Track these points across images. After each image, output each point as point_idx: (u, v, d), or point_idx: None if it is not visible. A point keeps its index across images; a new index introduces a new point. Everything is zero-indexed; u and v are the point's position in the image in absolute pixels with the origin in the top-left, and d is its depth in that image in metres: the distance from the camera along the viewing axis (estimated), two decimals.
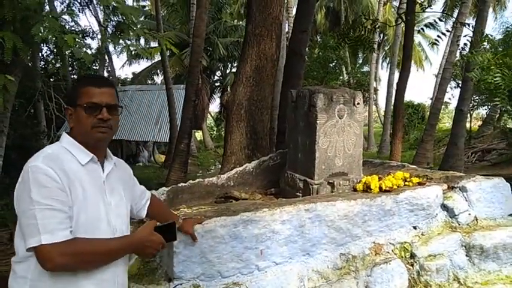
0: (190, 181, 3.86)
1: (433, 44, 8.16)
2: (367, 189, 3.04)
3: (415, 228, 2.99)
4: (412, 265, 2.82)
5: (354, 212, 2.79)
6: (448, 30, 9.18)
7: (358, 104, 3.44)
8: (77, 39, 4.46)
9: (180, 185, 3.82)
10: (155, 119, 19.29)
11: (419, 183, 3.14)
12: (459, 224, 3.04)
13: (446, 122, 30.66)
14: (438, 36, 6.82)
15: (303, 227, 2.66)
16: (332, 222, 2.73)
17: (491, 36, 6.29)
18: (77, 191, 1.59)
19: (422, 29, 9.18)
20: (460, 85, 12.00)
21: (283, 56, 9.69)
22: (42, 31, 4.21)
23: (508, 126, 17.16)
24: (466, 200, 3.11)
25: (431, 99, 22.86)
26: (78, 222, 1.59)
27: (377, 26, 7.68)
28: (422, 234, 2.96)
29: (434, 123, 12.77)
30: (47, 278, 1.56)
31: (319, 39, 29.28)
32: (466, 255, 2.93)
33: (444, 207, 3.08)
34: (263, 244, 2.56)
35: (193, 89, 8.05)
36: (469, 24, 8.26)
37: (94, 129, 1.67)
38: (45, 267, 1.53)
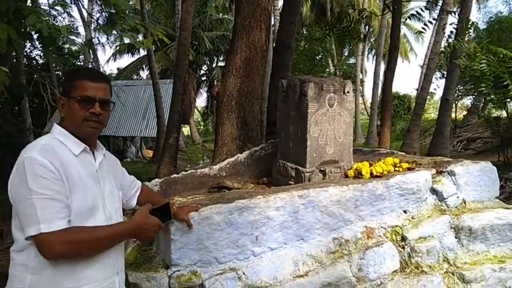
0: (183, 172, 3.88)
1: (419, 33, 8.27)
2: (358, 175, 3.10)
3: (405, 212, 3.06)
4: (403, 247, 2.90)
5: (346, 197, 2.85)
6: (434, 19, 9.29)
7: (348, 92, 3.49)
8: (70, 30, 4.45)
9: (172, 176, 3.84)
10: (142, 114, 19.20)
11: (409, 169, 3.21)
12: (448, 207, 3.12)
13: (431, 112, 31.04)
14: (425, 24, 6.91)
15: (296, 212, 2.71)
16: (325, 207, 2.79)
17: (476, 23, 6.41)
18: (74, 180, 1.62)
19: (408, 17, 9.27)
20: (446, 75, 12.17)
21: (271, 48, 9.72)
22: (36, 21, 4.18)
23: (492, 115, 17.45)
24: (454, 184, 3.19)
25: (417, 90, 23.15)
26: (76, 211, 1.61)
27: (364, 16, 7.74)
28: (412, 218, 3.03)
29: (420, 113, 12.92)
30: (48, 265, 1.58)
31: (305, 32, 29.35)
32: (455, 237, 3.01)
33: (433, 191, 3.16)
34: (258, 230, 2.60)
35: (181, 82, 8.04)
36: (454, 13, 8.36)
37: (85, 122, 1.71)
38: (45, 256, 1.55)
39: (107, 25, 5.20)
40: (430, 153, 11.38)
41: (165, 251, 2.48)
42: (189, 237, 2.41)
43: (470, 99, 22.39)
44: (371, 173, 3.05)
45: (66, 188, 1.58)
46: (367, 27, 29.86)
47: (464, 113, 23.05)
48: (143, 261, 2.56)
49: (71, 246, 1.56)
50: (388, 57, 6.87)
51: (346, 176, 3.22)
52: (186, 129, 30.99)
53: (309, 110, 3.31)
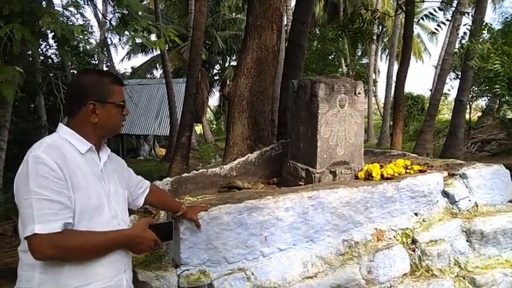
0: (194, 171, 3.90)
1: (433, 33, 8.18)
2: (368, 177, 3.09)
3: (416, 214, 3.04)
4: (414, 250, 2.88)
5: (356, 199, 2.84)
6: (447, 20, 9.18)
7: (359, 93, 3.47)
8: (84, 31, 4.51)
9: (184, 175, 3.87)
10: (155, 113, 19.31)
11: (420, 171, 3.19)
12: (459, 210, 3.09)
13: (445, 113, 30.68)
14: (438, 25, 6.84)
15: (306, 214, 2.71)
16: (335, 209, 2.78)
17: (491, 25, 6.30)
18: (78, 179, 1.63)
19: (422, 18, 9.17)
20: (460, 76, 12.03)
21: (283, 48, 9.70)
22: (49, 22, 4.24)
23: (507, 116, 17.19)
24: (467, 187, 3.16)
25: (431, 90, 22.90)
26: (80, 210, 1.61)
27: (376, 17, 7.68)
28: (423, 221, 3.01)
29: (434, 114, 12.79)
30: (56, 264, 1.58)
31: (317, 32, 29.21)
32: (467, 241, 2.99)
33: (445, 193, 3.13)
34: (267, 231, 2.61)
35: (194, 81, 8.08)
36: (468, 13, 8.26)
37: (120, 124, 1.82)
38: (35, 257, 1.54)
39: (119, 26, 5.25)
40: (443, 154, 11.26)
41: (175, 250, 2.50)
42: (198, 236, 2.43)
43: (484, 100, 22.12)
44: (381, 175, 3.03)
45: (69, 187, 1.58)
46: (380, 27, 29.66)
47: (479, 114, 22.75)
48: (153, 260, 2.58)
49: (62, 251, 1.55)
50: (400, 57, 6.79)
51: (357, 178, 3.21)
52: (198, 128, 31.09)
53: (319, 111, 3.30)
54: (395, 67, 26.50)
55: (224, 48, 25.77)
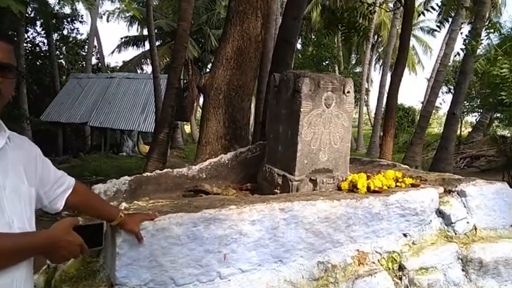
0: (157, 171, 3.44)
1: (433, 31, 7.82)
2: (353, 188, 2.65)
3: (405, 235, 2.61)
4: (401, 278, 2.44)
5: (337, 214, 2.40)
6: (445, 19, 8.82)
7: (348, 92, 3.05)
8: None
9: (145, 174, 3.41)
10: (141, 108, 18.77)
11: (413, 185, 2.76)
12: (456, 234, 2.67)
13: (435, 127, 30.58)
14: (440, 21, 6.45)
15: (276, 229, 2.27)
16: (310, 225, 2.34)
17: (500, 23, 5.83)
18: None
19: (421, 28, 8.83)
20: (454, 88, 11.75)
21: (272, 45, 9.24)
22: None
23: (498, 133, 16.98)
24: (465, 207, 2.74)
25: (422, 103, 22.71)
26: None
27: (372, 12, 7.27)
28: (413, 243, 2.58)
29: (425, 126, 12.53)
30: None
31: (313, 37, 28.94)
32: (462, 270, 2.56)
33: (440, 213, 2.71)
34: (228, 247, 2.16)
35: (177, 75, 7.60)
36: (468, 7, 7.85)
37: None
38: None
39: None
40: (432, 168, 10.93)
41: (110, 266, 2.03)
42: (139, 251, 1.97)
43: (475, 116, 22.02)
44: (368, 187, 2.60)
45: None
46: (375, 37, 29.48)
47: (469, 130, 22.61)
48: (85, 276, 2.12)
49: None
50: (396, 59, 6.39)
51: (339, 189, 2.77)
52: (188, 127, 30.54)
53: (302, 109, 2.87)
54: (389, 77, 26.37)
55: (217, 47, 25.29)
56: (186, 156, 19.89)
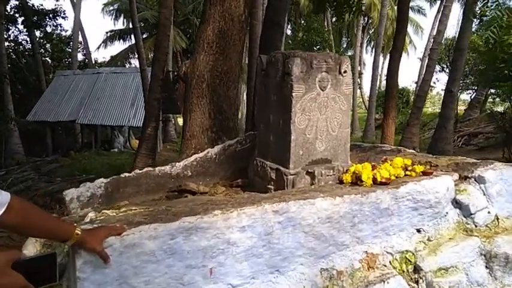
0: (137, 171, 3.09)
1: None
2: (357, 181, 2.31)
3: (419, 231, 2.28)
4: (417, 282, 2.12)
5: (340, 212, 2.06)
6: None
7: (345, 72, 2.70)
8: None
9: (123, 175, 3.06)
10: (130, 103, 18.33)
11: (424, 173, 2.42)
12: (476, 226, 2.34)
13: (429, 106, 30.33)
14: None
15: (270, 234, 1.93)
16: (310, 227, 2.01)
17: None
18: None
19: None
20: (450, 65, 11.43)
21: (259, 28, 8.82)
22: None
23: (495, 109, 16.72)
24: (484, 194, 2.41)
25: (416, 83, 22.39)
26: None
27: None
28: (428, 240, 2.25)
29: (421, 106, 12.25)
30: None
31: (303, 22, 28.49)
32: (486, 267, 2.24)
33: (456, 203, 2.38)
34: (214, 260, 1.82)
35: (161, 66, 7.19)
36: None
37: None
38: None
39: None
40: (431, 148, 10.65)
41: None
42: (105, 274, 1.62)
43: (469, 93, 21.80)
44: (374, 179, 2.26)
45: None
46: (366, 19, 29.02)
47: (464, 107, 22.35)
48: None
49: None
50: (394, 35, 6.00)
51: (341, 182, 2.43)
52: (181, 120, 30.05)
53: (293, 94, 2.53)
54: (381, 58, 26.02)
55: (197, 30, 24.78)
56: (179, 149, 19.50)
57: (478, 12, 5.37)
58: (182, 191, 2.99)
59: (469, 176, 2.47)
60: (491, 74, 11.74)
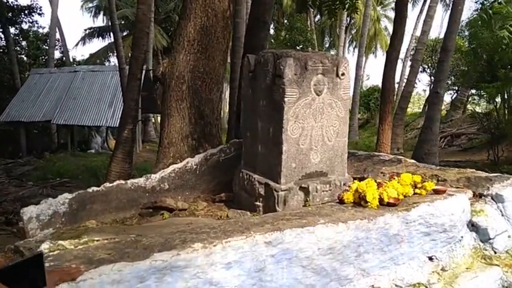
0: (106, 184, 2.72)
1: None
2: (360, 201, 2.00)
3: (431, 259, 1.99)
4: None
5: (344, 241, 1.75)
6: None
7: (343, 74, 2.39)
8: None
9: (90, 190, 2.69)
10: (108, 103, 17.78)
11: (435, 191, 2.12)
12: (495, 252, 2.06)
13: (410, 107, 30.46)
14: None
15: (261, 271, 1.60)
16: (309, 260, 1.68)
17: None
18: None
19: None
20: (436, 66, 11.29)
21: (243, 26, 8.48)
22: None
23: (477, 110, 16.73)
24: (503, 215, 2.13)
25: (398, 83, 22.35)
26: None
27: None
28: (443, 270, 1.96)
29: (405, 106, 12.17)
30: None
31: (285, 22, 28.25)
32: None
33: (472, 226, 2.09)
34: None
35: (139, 64, 6.76)
36: None
37: None
38: None
39: None
40: (417, 149, 10.46)
41: None
42: None
43: (450, 94, 21.88)
44: (380, 199, 1.95)
45: None
46: (348, 19, 28.95)
47: (447, 108, 22.44)
48: None
49: None
50: (391, 37, 5.73)
51: (342, 201, 2.11)
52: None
53: (286, 99, 2.21)
54: (364, 59, 25.94)
55: (177, 27, 24.33)
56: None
57: (489, 8, 5.14)
58: (158, 208, 2.64)
59: (485, 193, 2.18)
60: (474, 75, 11.69)
